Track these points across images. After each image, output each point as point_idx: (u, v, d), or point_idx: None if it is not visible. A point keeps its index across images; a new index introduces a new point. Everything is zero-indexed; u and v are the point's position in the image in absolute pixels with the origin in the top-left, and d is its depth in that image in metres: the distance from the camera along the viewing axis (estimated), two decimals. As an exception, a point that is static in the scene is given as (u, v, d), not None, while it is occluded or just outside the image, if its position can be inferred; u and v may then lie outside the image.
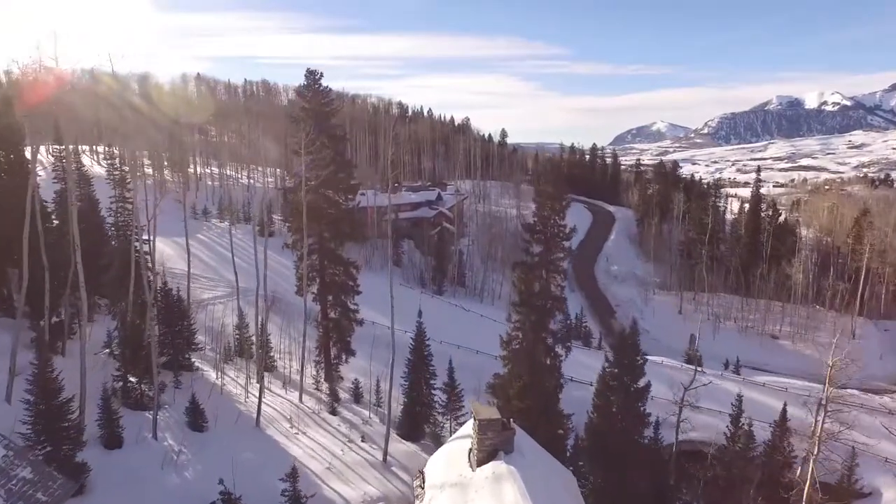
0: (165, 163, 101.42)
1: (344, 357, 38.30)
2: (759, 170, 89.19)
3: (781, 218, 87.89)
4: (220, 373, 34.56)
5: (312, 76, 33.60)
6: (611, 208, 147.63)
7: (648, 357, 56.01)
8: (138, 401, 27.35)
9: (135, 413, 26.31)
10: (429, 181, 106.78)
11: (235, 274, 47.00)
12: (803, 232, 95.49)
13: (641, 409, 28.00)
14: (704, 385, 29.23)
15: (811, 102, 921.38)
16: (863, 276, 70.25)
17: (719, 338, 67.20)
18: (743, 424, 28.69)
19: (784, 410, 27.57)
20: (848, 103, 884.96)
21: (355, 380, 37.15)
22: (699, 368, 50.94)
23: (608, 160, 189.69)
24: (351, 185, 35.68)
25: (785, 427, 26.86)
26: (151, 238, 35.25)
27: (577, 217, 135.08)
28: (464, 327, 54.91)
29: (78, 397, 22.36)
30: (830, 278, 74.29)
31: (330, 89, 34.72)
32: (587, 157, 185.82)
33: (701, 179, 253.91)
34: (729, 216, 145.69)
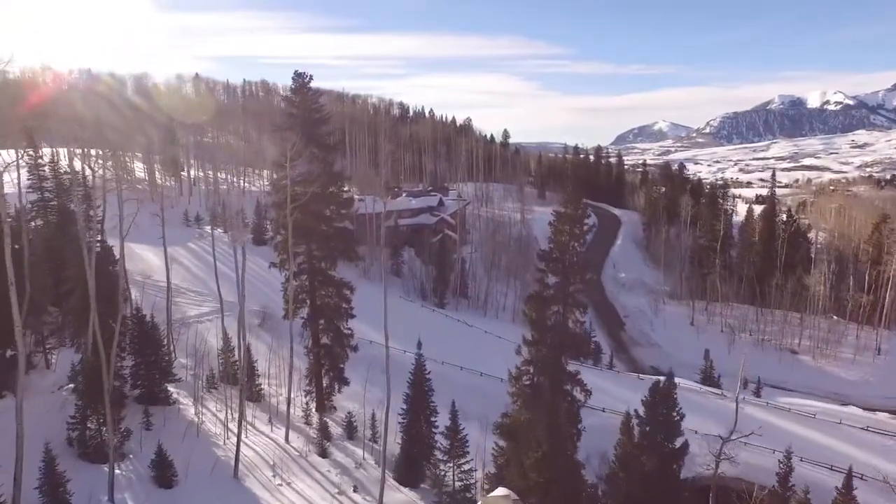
0: (158, 166, 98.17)
1: (337, 387, 35.04)
2: (773, 175, 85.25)
3: (796, 224, 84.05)
4: (199, 406, 31.26)
5: (301, 78, 30.30)
6: (616, 211, 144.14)
7: (660, 377, 52.92)
8: (98, 450, 24.04)
9: (92, 468, 23.04)
10: (430, 186, 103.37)
11: (218, 288, 43.82)
12: (812, 236, 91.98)
13: (677, 472, 24.28)
14: (745, 437, 25.25)
15: (813, 102, 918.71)
16: (889, 286, 66.83)
17: (734, 352, 63.69)
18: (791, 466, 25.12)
19: (849, 480, 22.92)
20: (850, 102, 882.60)
21: (348, 413, 33.89)
22: (721, 391, 47.67)
23: (612, 160, 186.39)
24: (344, 200, 32.43)
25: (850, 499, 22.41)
26: (122, 252, 31.87)
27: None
28: (467, 345, 51.61)
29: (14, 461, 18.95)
30: (850, 288, 70.85)
31: (320, 93, 31.49)
32: (591, 157, 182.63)
33: (708, 182, 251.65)
34: (736, 218, 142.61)
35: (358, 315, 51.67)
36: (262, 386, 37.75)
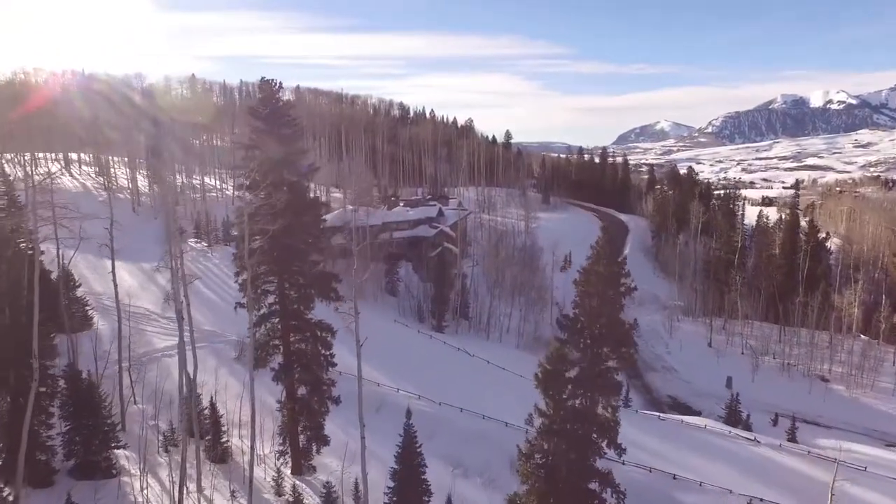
0: (145, 171, 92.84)
1: (315, 447, 29.85)
2: (797, 184, 79.48)
3: (818, 235, 78.70)
4: (145, 480, 26.08)
5: (269, 86, 25.12)
6: (623, 217, 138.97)
7: (684, 417, 47.53)
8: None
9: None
10: (429, 191, 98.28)
11: (179, 319, 38.47)
12: (829, 244, 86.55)
13: None
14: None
15: (816, 101, 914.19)
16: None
17: (759, 379, 58.65)
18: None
19: None
20: (853, 102, 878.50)
21: (326, 483, 28.61)
22: (754, 437, 42.12)
23: (618, 160, 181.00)
24: (320, 230, 27.23)
25: None
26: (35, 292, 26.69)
27: (587, 227, 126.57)
28: (468, 380, 46.42)
29: None
30: (883, 307, 65.53)
31: (292, 104, 26.35)
32: (593, 158, 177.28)
33: (711, 181, 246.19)
34: (745, 221, 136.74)
35: (346, 343, 46.69)
36: (230, 442, 32.50)
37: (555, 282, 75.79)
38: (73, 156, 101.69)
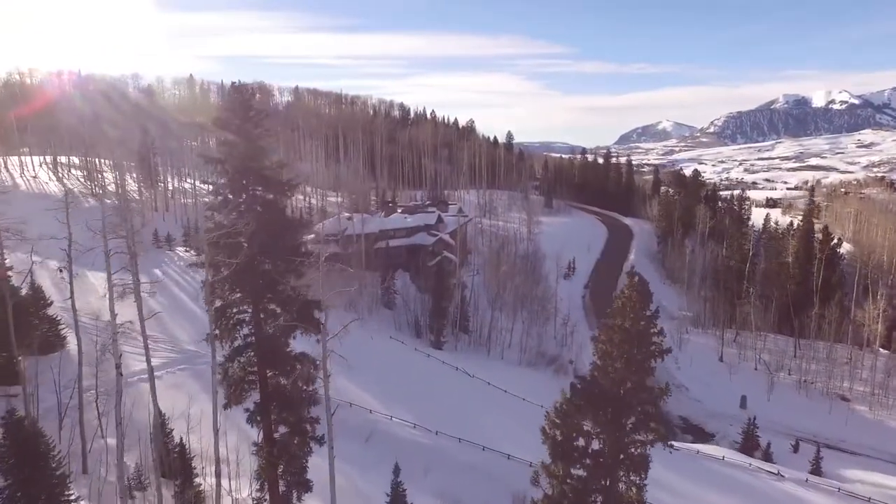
0: (133, 175, 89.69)
1: (297, 495, 26.74)
2: (812, 190, 75.92)
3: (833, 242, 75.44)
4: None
5: (240, 94, 22.04)
6: (627, 221, 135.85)
7: (700, 447, 44.30)
8: None
9: None
10: (429, 196, 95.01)
11: (146, 349, 35.20)
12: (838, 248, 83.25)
13: None
14: None
15: (818, 101, 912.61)
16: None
17: (775, 398, 55.46)
18: None
19: None
20: (856, 102, 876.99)
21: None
22: (777, 470, 38.89)
23: (622, 160, 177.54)
24: (301, 252, 24.08)
25: None
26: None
27: (591, 232, 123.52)
28: (467, 404, 43.28)
29: None
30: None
31: (266, 114, 23.19)
32: (596, 158, 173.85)
33: (715, 182, 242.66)
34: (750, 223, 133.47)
35: (337, 364, 43.63)
36: (203, 485, 29.41)
37: (558, 291, 72.69)
38: (63, 159, 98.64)
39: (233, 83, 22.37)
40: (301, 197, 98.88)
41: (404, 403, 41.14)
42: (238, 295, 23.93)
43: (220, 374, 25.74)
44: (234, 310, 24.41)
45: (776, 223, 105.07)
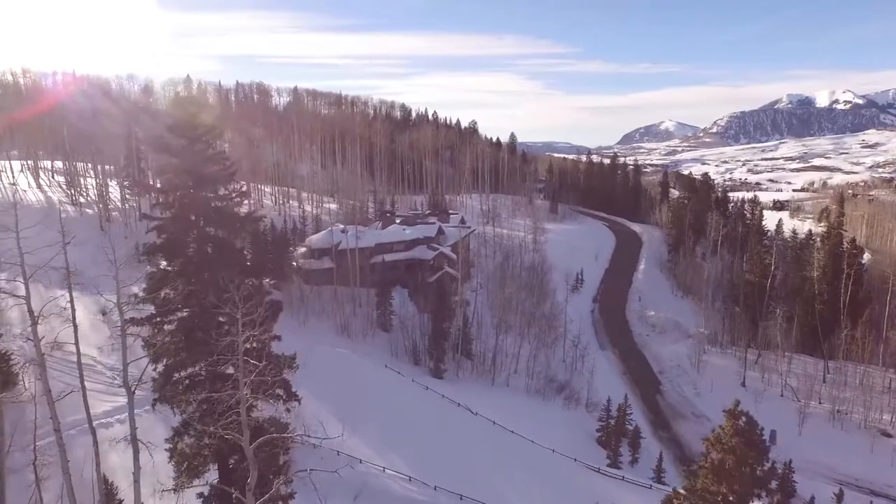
0: (115, 181, 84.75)
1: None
2: (842, 200, 70.36)
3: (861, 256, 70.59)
4: None
5: (184, 108, 17.41)
6: (635, 227, 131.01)
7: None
8: None
9: None
10: (429, 207, 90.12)
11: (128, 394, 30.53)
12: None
13: None
14: None
15: (822, 101, 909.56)
16: None
17: (807, 432, 50.63)
18: None
19: None
20: (860, 101, 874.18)
21: None
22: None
23: (628, 160, 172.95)
24: (267, 304, 19.45)
25: None
26: None
27: (599, 239, 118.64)
28: (470, 448, 38.51)
29: None
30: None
31: (220, 133, 18.59)
32: (602, 160, 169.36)
33: (720, 183, 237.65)
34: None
35: (328, 399, 38.97)
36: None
37: (567, 309, 68.02)
38: (48, 164, 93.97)
39: (175, 94, 17.81)
40: (295, 204, 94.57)
41: (399, 449, 36.51)
42: (184, 355, 19.33)
43: (169, 449, 21.03)
44: (183, 373, 19.82)
45: (793, 231, 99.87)
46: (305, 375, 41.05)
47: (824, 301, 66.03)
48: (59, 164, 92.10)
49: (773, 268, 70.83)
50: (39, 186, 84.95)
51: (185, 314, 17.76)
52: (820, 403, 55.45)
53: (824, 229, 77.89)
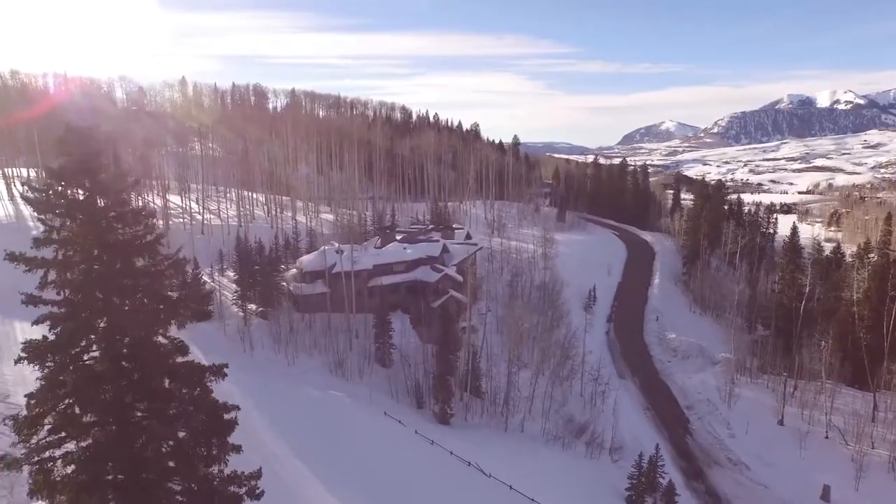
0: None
1: None
2: (889, 218, 63.98)
3: None
4: None
5: (79, 137, 11.45)
6: (646, 236, 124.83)
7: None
8: None
9: None
10: (430, 222, 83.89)
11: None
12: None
13: None
14: None
15: (823, 101, 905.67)
16: None
17: (865, 487, 44.54)
18: None
19: None
20: (861, 102, 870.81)
21: None
22: None
23: (637, 163, 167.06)
24: (210, 404, 13.48)
25: None
26: None
27: (610, 250, 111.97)
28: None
29: None
30: None
31: (127, 170, 12.55)
32: (609, 162, 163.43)
33: (732, 185, 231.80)
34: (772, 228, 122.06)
35: (310, 457, 32.96)
36: None
37: (581, 334, 62.10)
38: (26, 172, 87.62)
39: (67, 125, 11.71)
40: (289, 215, 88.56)
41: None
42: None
43: None
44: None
45: (817, 243, 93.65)
46: (287, 427, 35.12)
47: (868, 327, 59.95)
48: (31, 172, 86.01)
49: (807, 288, 64.86)
50: (12, 198, 78.80)
51: (86, 443, 11.77)
52: (873, 448, 49.36)
53: (862, 247, 71.63)
